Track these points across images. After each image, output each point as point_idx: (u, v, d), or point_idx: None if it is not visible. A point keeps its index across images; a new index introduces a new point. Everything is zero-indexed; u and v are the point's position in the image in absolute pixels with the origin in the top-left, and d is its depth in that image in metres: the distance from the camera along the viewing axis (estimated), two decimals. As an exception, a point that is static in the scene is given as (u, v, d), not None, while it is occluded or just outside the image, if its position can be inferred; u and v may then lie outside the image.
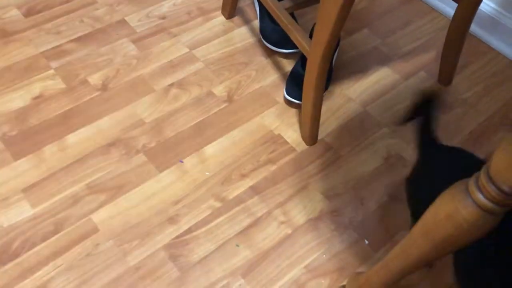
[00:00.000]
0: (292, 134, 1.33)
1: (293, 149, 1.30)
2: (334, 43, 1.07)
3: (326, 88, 1.41)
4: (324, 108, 1.40)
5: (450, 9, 1.69)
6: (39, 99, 1.34)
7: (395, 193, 1.24)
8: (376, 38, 1.63)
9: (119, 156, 1.24)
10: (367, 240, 1.15)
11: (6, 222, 1.11)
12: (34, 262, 1.05)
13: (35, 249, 1.07)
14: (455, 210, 0.57)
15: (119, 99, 1.36)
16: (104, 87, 1.38)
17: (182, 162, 1.24)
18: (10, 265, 1.04)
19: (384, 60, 1.56)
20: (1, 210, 1.12)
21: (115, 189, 1.18)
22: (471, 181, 0.57)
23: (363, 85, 1.48)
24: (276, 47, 1.49)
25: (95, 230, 1.11)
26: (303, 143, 1.32)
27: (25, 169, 1.20)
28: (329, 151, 1.31)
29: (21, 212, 1.13)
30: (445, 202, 0.59)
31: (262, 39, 1.52)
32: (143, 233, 1.12)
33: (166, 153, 1.26)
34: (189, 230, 1.13)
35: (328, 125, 1.37)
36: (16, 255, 1.06)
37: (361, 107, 1.42)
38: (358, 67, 1.53)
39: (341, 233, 1.16)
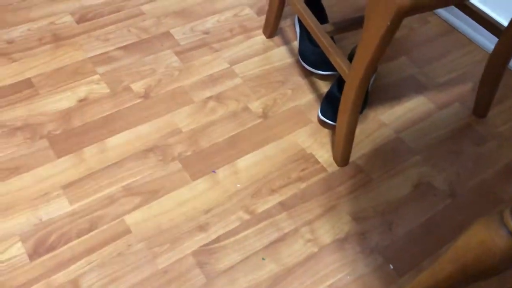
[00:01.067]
0: (324, 154, 1.36)
1: (324, 169, 1.32)
2: (373, 69, 1.09)
3: (361, 111, 1.43)
4: (357, 131, 1.42)
5: (489, 43, 1.70)
6: (84, 102, 1.40)
7: (424, 222, 1.24)
8: (413, 66, 1.64)
9: (155, 162, 1.29)
10: (392, 265, 1.15)
11: (45, 216, 1.16)
12: (68, 257, 1.10)
13: (70, 244, 1.12)
14: (489, 237, 0.58)
15: (159, 108, 1.41)
16: (146, 95, 1.44)
17: (215, 172, 1.28)
18: (46, 257, 1.09)
19: (420, 88, 1.57)
20: (42, 205, 1.18)
21: (149, 193, 1.22)
22: (506, 211, 0.58)
23: (397, 112, 1.49)
24: (314, 68, 1.53)
25: (127, 231, 1.15)
26: (335, 164, 1.34)
27: (66, 167, 1.25)
28: (360, 173, 1.33)
29: (60, 207, 1.18)
30: (478, 229, 0.61)
31: (301, 59, 1.56)
32: (173, 238, 1.15)
33: (200, 162, 1.30)
34: (218, 239, 1.16)
35: (360, 148, 1.39)
36: (52, 248, 1.11)
37: (394, 133, 1.44)
38: (394, 93, 1.55)
39: (366, 256, 1.16)
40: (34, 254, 1.09)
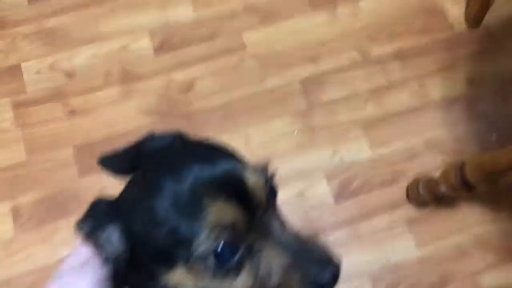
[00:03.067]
0: (455, 12, 1.26)
1: (451, 27, 1.24)
2: None
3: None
4: (500, -8, 1.28)
5: None
6: None
7: (544, 101, 1.16)
8: None
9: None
10: (495, 134, 1.13)
11: (172, 19, 1.23)
12: (188, 59, 1.19)
13: (190, 48, 1.20)
14: None
15: None
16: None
17: (336, 8, 1.24)
18: (169, 55, 1.19)
19: None
20: (169, 7, 1.24)
21: (268, 15, 1.23)
22: None
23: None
24: None
25: (243, 47, 1.20)
26: (464, 24, 1.24)
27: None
28: (489, 38, 1.23)
29: (185, 12, 1.23)
30: None
31: None
32: (284, 62, 1.19)
33: (323, -6, 1.26)
34: (326, 73, 1.18)
35: (498, 12, 1.26)
36: (173, 48, 1.20)
37: (543, 1, 1.27)
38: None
39: (472, 120, 1.14)
40: (159, 50, 1.19)
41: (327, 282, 0.40)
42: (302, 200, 1.06)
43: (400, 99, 1.16)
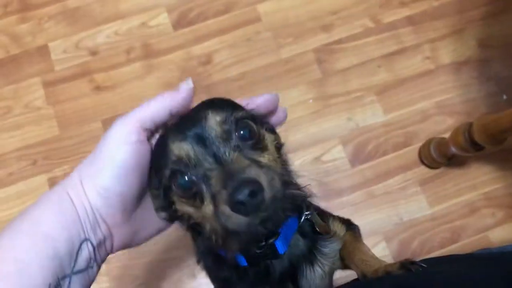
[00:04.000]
0: (466, -26, 1.27)
1: (462, -10, 1.26)
2: None
3: None
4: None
5: None
6: None
7: (555, 60, 1.19)
8: None
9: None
10: (506, 95, 1.16)
11: (187, -7, 1.27)
12: (205, 33, 1.23)
13: (207, 22, 1.24)
14: None
15: None
16: None
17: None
18: (186, 29, 1.24)
19: None
20: (185, -18, 1.28)
21: (281, -13, 1.27)
22: None
23: None
24: None
25: (258, 19, 1.24)
26: (475, -14, 1.26)
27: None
28: (500, 1, 1.24)
29: (200, -13, 1.27)
30: None
31: None
32: (298, 32, 1.23)
33: (335, -37, 1.28)
34: (339, 41, 1.22)
35: (509, -28, 1.27)
36: (191, 23, 1.24)
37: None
38: None
39: (482, 82, 1.17)
40: (177, 25, 1.24)
41: (243, 199, 0.42)
42: (319, 165, 1.12)
43: (412, 63, 1.20)
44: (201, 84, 1.19)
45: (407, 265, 0.50)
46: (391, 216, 1.09)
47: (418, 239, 1.08)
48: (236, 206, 0.42)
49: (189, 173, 0.47)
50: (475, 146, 0.92)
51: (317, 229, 0.58)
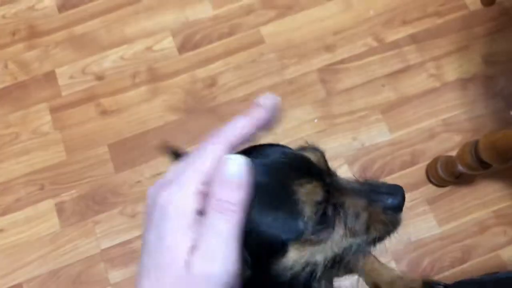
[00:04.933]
0: (469, -9, 1.27)
1: (465, 7, 1.26)
2: None
3: None
4: (514, -31, 1.29)
5: None
6: None
7: (562, 75, 1.18)
8: None
9: (293, -22, 1.31)
10: (513, 112, 1.15)
11: (191, 17, 1.29)
12: (209, 56, 1.24)
13: (211, 45, 1.25)
14: None
15: None
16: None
17: (350, -4, 1.28)
18: (191, 53, 1.25)
19: None
20: (189, 6, 1.30)
21: (284, 8, 1.28)
22: None
23: None
24: None
25: (261, 41, 1.25)
26: (479, 2, 1.26)
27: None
28: (504, 16, 1.24)
29: (203, 10, 1.29)
30: None
31: None
32: (301, 53, 1.23)
33: (337, -16, 1.30)
34: (342, 61, 1.22)
35: (512, -12, 1.27)
36: (195, 46, 1.26)
37: (559, -25, 1.27)
38: None
39: (488, 98, 1.16)
40: (182, 48, 1.25)
41: (400, 203, 0.48)
42: (325, 185, 1.11)
43: (417, 81, 1.19)
44: (206, 106, 1.19)
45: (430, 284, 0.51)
46: (400, 236, 1.07)
47: (428, 258, 1.07)
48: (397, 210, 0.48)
49: (325, 210, 0.47)
50: (482, 164, 0.91)
51: None
